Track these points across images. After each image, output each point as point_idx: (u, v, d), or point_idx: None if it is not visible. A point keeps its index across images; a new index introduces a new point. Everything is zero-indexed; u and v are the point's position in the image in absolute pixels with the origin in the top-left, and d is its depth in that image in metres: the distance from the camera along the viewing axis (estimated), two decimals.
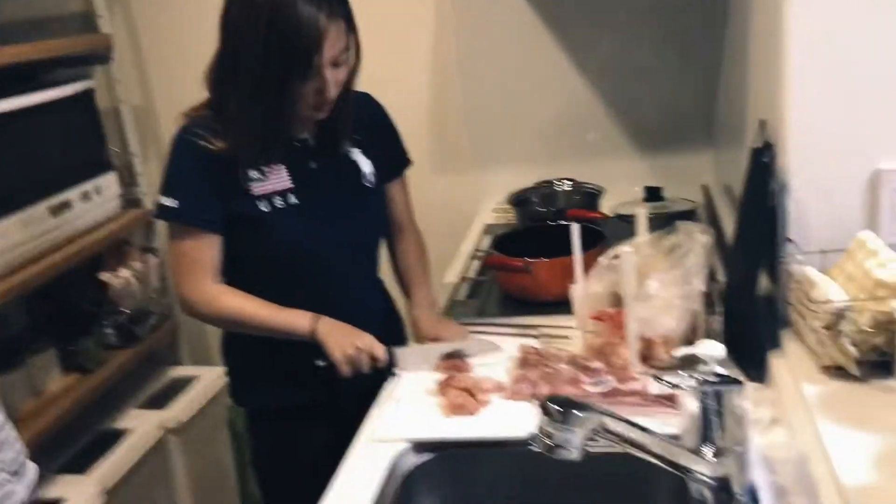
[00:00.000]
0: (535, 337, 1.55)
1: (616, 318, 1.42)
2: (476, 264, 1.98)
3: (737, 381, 0.98)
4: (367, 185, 1.53)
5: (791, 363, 1.21)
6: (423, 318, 1.56)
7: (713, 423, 0.99)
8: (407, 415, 1.33)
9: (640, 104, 2.31)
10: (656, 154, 2.34)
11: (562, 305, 1.64)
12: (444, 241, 2.08)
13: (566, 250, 1.74)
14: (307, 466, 1.55)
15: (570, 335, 1.53)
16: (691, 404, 1.04)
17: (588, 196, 2.10)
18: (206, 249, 1.40)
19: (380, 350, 1.42)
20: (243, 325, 1.43)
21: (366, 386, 1.45)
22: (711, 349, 1.05)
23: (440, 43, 2.37)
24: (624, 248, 1.28)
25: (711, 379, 0.99)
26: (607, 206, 2.14)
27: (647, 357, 1.37)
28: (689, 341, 1.36)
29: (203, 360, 2.61)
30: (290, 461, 1.58)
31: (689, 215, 2.11)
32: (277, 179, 1.42)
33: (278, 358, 1.50)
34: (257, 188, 1.41)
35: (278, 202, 1.42)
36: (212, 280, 1.41)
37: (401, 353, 1.47)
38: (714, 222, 2.03)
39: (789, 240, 1.20)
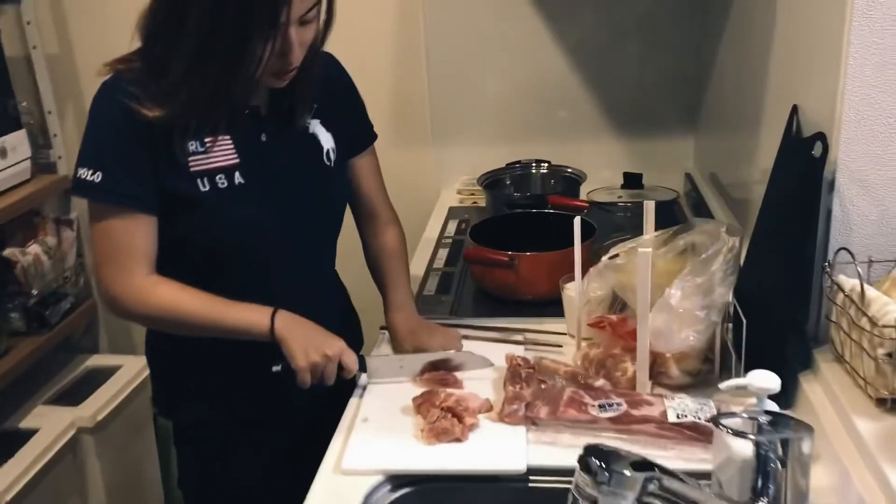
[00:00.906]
0: (519, 343, 1.36)
1: (618, 326, 1.24)
2: (444, 253, 1.77)
3: (808, 427, 0.80)
4: (327, 163, 1.30)
5: (830, 390, 1.05)
6: (403, 324, 1.34)
7: (773, 474, 0.81)
8: (378, 440, 1.11)
9: (618, 83, 2.13)
10: (633, 138, 2.17)
11: (545, 306, 1.46)
12: (402, 223, 1.86)
13: (550, 243, 1.56)
14: (246, 492, 1.34)
15: (562, 343, 1.35)
16: (738, 446, 0.86)
17: (568, 182, 1.91)
18: (139, 233, 1.15)
19: (351, 359, 1.20)
20: (185, 324, 1.18)
21: (316, 397, 1.24)
22: (764, 381, 0.88)
23: (407, 4, 2.14)
24: (641, 248, 1.09)
25: (770, 419, 0.81)
26: (581, 192, 1.96)
27: (654, 373, 1.19)
28: (706, 357, 1.20)
29: (125, 348, 2.33)
30: (226, 485, 1.35)
31: (670, 205, 1.96)
32: (221, 154, 1.18)
33: (214, 362, 1.26)
34: (196, 164, 1.16)
35: (221, 181, 1.17)
36: (145, 270, 1.16)
37: (374, 362, 1.26)
38: (702, 214, 1.87)
39: (844, 249, 1.03)
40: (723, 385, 0.90)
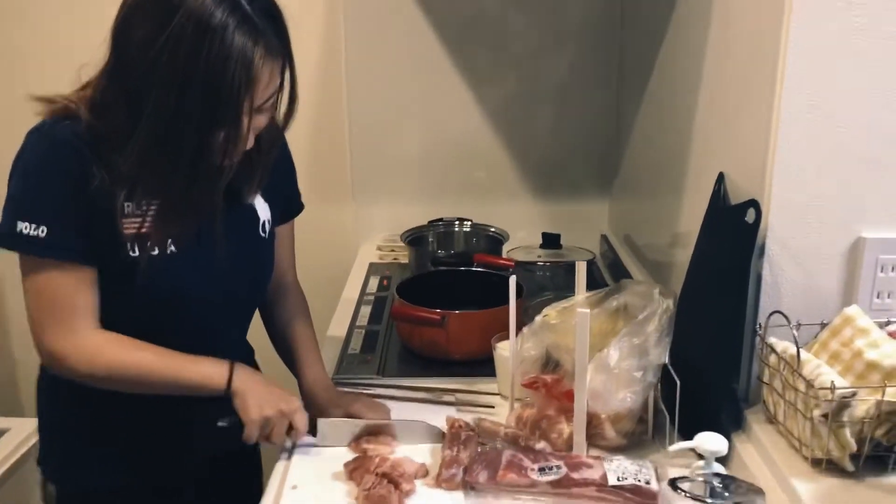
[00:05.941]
0: (451, 404, 1.33)
1: (553, 387, 1.23)
2: (366, 310, 1.73)
3: (758, 490, 0.81)
4: (262, 235, 1.25)
5: (764, 450, 1.07)
6: (323, 395, 1.28)
7: None
8: None
9: (536, 147, 2.19)
10: (550, 199, 2.22)
11: (474, 366, 1.44)
12: (320, 280, 1.81)
13: (474, 301, 1.55)
14: None
15: (494, 403, 1.33)
16: None
17: (492, 240, 1.92)
18: (83, 288, 1.07)
19: (302, 420, 1.15)
20: (141, 381, 1.10)
21: (219, 463, 1.17)
22: (713, 443, 0.88)
23: (328, 55, 2.13)
24: (580, 309, 1.09)
25: (721, 482, 0.81)
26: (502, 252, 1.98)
27: (589, 435, 1.19)
28: (641, 418, 1.20)
29: (12, 408, 2.15)
30: None
31: (588, 266, 1.99)
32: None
33: (123, 418, 1.17)
34: (129, 226, 1.08)
35: (152, 248, 1.10)
36: (91, 326, 1.08)
37: (325, 424, 1.20)
38: (618, 274, 1.91)
39: (779, 312, 1.06)
40: (672, 447, 0.90)
